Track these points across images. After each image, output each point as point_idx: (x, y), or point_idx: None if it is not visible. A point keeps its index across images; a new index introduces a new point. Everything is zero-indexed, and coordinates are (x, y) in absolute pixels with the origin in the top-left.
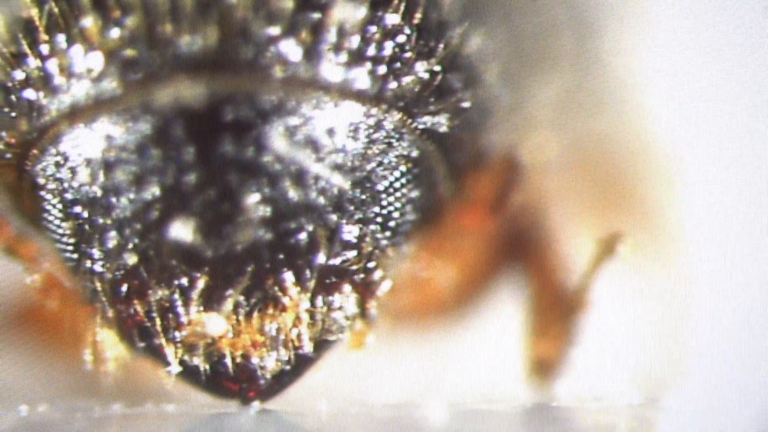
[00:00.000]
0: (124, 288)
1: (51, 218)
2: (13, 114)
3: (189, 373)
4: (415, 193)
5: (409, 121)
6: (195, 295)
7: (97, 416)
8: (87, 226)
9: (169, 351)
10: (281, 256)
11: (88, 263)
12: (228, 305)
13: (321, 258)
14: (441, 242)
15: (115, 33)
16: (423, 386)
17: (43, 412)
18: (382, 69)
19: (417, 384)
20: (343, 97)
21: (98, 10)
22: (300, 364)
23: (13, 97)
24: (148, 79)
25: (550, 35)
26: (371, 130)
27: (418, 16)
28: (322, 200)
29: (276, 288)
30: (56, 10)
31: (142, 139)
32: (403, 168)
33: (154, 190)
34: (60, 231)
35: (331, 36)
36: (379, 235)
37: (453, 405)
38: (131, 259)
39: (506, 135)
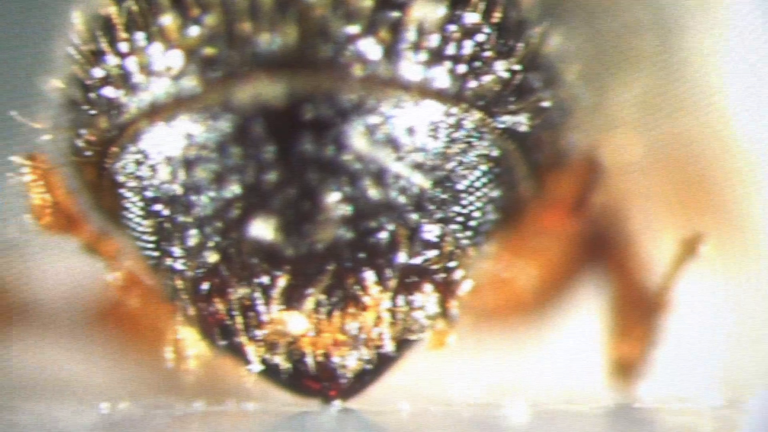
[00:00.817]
0: (205, 286)
1: (131, 216)
2: (93, 111)
3: (270, 372)
4: (495, 193)
5: (489, 120)
6: (276, 293)
7: (178, 414)
8: (167, 224)
9: (250, 349)
10: (362, 255)
11: (169, 261)
12: (309, 304)
13: (402, 257)
14: (522, 242)
15: (194, 31)
16: (504, 386)
17: (124, 409)
18: (462, 68)
19: (498, 384)
20: (423, 96)
21: (177, 8)
22: (381, 363)
23: (92, 95)
24: (228, 78)
25: (631, 35)
26: (451, 129)
27: (497, 14)
28: (402, 199)
29: (357, 287)
30: (135, 8)
31: (222, 137)
32: (483, 167)
33: (234, 188)
34: (140, 229)
35: (411, 35)
36: (459, 235)
37: (534, 405)
38: (212, 257)
39: (587, 135)
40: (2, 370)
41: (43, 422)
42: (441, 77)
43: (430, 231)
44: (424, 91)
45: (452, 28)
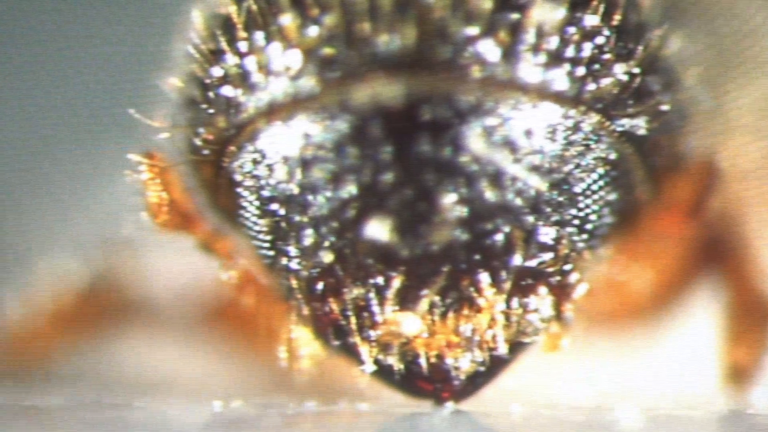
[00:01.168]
0: (320, 286)
1: (248, 215)
2: (211, 111)
3: (383, 372)
4: (612, 196)
5: (608, 123)
6: (390, 294)
7: (291, 413)
8: (283, 224)
9: (364, 350)
10: (477, 257)
11: (284, 260)
12: (423, 305)
13: (517, 259)
14: (638, 246)
15: (313, 31)
16: (617, 390)
17: (236, 408)
18: (581, 70)
19: (611, 388)
20: (541, 98)
21: (297, 8)
22: (494, 366)
23: (211, 94)
24: (346, 78)
25: (750, 39)
26: (569, 132)
27: (617, 17)
28: (519, 201)
29: (471, 289)
30: (255, 7)
31: (339, 137)
32: (600, 170)
33: (350, 189)
34: (256, 228)
35: (530, 37)
36: (575, 238)
37: (646, 410)
38: (327, 257)
39: (705, 139)
40: (116, 367)
41: (156, 420)
42: (560, 79)
43: (546, 234)
44: (542, 93)
45: (572, 30)
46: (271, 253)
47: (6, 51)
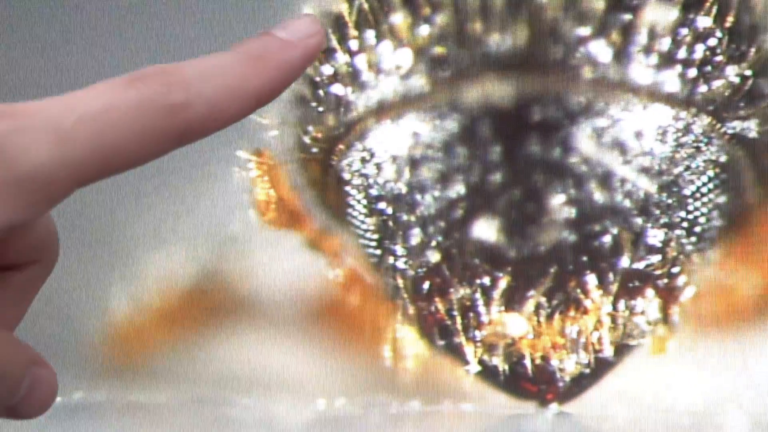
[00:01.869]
0: (426, 285)
1: (355, 213)
2: (321, 109)
3: (488, 373)
4: (722, 199)
5: (718, 125)
6: (496, 294)
7: (394, 412)
8: (391, 223)
9: (469, 350)
10: (585, 259)
11: (391, 259)
12: (529, 306)
13: (625, 261)
14: (747, 249)
15: (424, 30)
16: (724, 394)
17: (340, 406)
18: (693, 72)
19: (718, 392)
20: (652, 99)
21: (408, 7)
22: (600, 368)
23: (321, 92)
24: (457, 77)
25: None
26: (680, 134)
27: (730, 19)
28: (627, 203)
29: (578, 290)
30: (366, 6)
31: (448, 136)
32: (710, 173)
33: (459, 189)
34: (364, 226)
35: (642, 38)
36: (684, 240)
37: (753, 415)
38: (434, 257)
39: None
40: (222, 364)
41: (260, 417)
42: (671, 81)
43: (655, 236)
44: (653, 94)
45: (684, 31)
46: (378, 251)
47: (124, 48)
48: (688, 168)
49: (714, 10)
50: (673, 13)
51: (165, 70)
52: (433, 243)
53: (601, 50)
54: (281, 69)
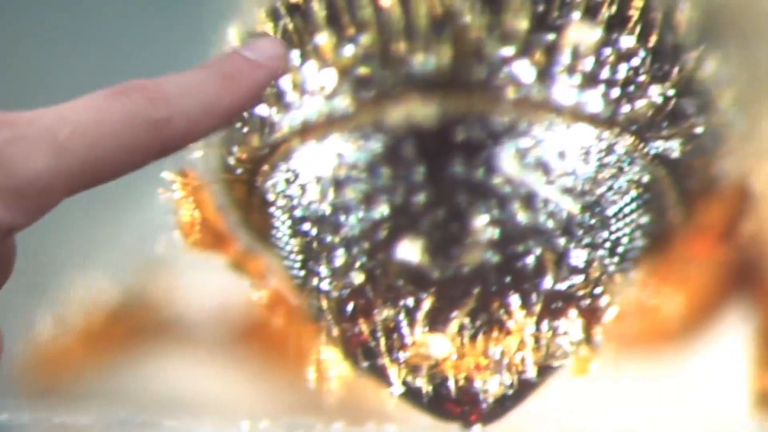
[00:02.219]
0: (350, 307)
1: (279, 234)
2: (245, 129)
3: (411, 394)
4: (644, 219)
5: (641, 145)
6: (420, 315)
7: None
8: (315, 244)
9: (393, 371)
10: (508, 279)
11: (315, 281)
12: (453, 327)
13: (548, 282)
14: (669, 269)
15: (349, 50)
16: (646, 415)
17: (264, 428)
18: (616, 92)
19: (640, 413)
20: (575, 119)
21: (333, 27)
22: (523, 389)
23: (245, 113)
24: (381, 98)
25: None
26: (603, 154)
27: (653, 38)
28: (550, 224)
29: (501, 311)
30: (291, 26)
31: (372, 157)
32: (633, 193)
33: (383, 209)
34: (288, 248)
35: (565, 58)
36: (607, 261)
37: None
38: (358, 278)
39: (739, 162)
40: (147, 386)
41: None
42: (594, 101)
43: (578, 256)
44: (576, 114)
45: (607, 51)
46: (302, 273)
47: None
48: (611, 188)
49: (637, 29)
50: (596, 33)
51: (146, 85)
52: (357, 264)
53: (524, 70)
54: (250, 88)
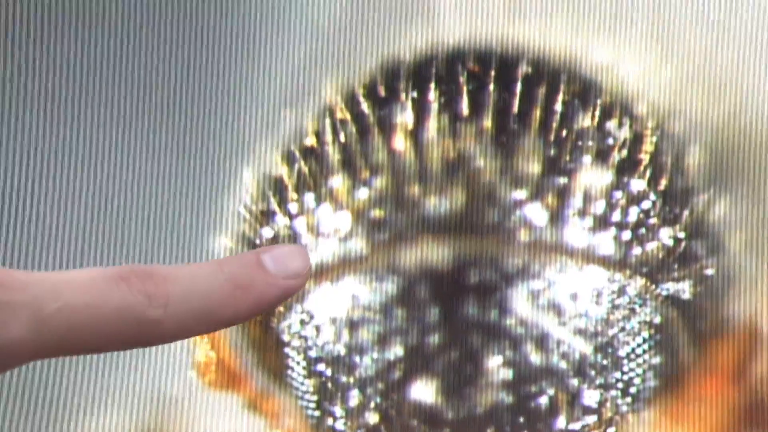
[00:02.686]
0: None
1: (294, 375)
2: None
3: None
4: (656, 360)
5: (653, 287)
6: None
7: None
8: (330, 384)
9: None
10: (521, 420)
11: (330, 421)
12: None
13: (561, 422)
14: (681, 409)
15: (363, 193)
16: None
17: None
18: (627, 234)
19: None
20: (587, 261)
21: (347, 171)
22: None
23: None
24: (395, 240)
25: None
26: (614, 296)
27: (663, 182)
28: (563, 365)
29: None
30: (306, 169)
31: (386, 299)
32: (645, 334)
33: (397, 350)
34: (303, 388)
35: (577, 201)
36: (619, 401)
37: None
38: (372, 418)
39: (749, 304)
40: None
41: None
42: (606, 243)
43: (590, 397)
44: (588, 256)
45: (618, 194)
46: (317, 413)
47: None
48: (623, 329)
49: (648, 173)
50: (607, 177)
51: (151, 275)
52: (372, 404)
53: (536, 213)
54: (257, 304)
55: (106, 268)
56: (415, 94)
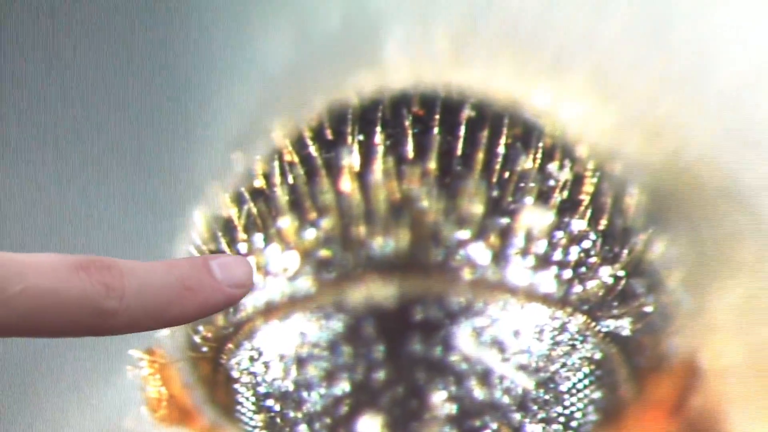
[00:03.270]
0: None
1: (244, 410)
2: None
3: None
4: (597, 394)
5: (593, 324)
6: None
7: None
8: (278, 419)
9: None
10: None
11: None
12: None
13: None
14: None
15: (310, 234)
16: None
17: None
18: (568, 273)
19: None
20: (529, 299)
21: (295, 212)
22: None
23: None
24: (342, 279)
25: (732, 243)
26: (556, 332)
27: (603, 222)
28: (506, 399)
29: None
30: (255, 210)
31: (334, 336)
32: (586, 369)
33: (344, 386)
34: (252, 423)
35: (519, 240)
36: None
37: None
38: None
39: (687, 339)
40: None
41: None
42: (547, 282)
43: (533, 431)
44: (530, 294)
45: (559, 234)
46: None
47: None
48: (564, 365)
49: (588, 213)
50: (548, 217)
51: (110, 267)
52: None
53: (480, 253)
54: (202, 308)
55: (68, 256)
56: (361, 137)
